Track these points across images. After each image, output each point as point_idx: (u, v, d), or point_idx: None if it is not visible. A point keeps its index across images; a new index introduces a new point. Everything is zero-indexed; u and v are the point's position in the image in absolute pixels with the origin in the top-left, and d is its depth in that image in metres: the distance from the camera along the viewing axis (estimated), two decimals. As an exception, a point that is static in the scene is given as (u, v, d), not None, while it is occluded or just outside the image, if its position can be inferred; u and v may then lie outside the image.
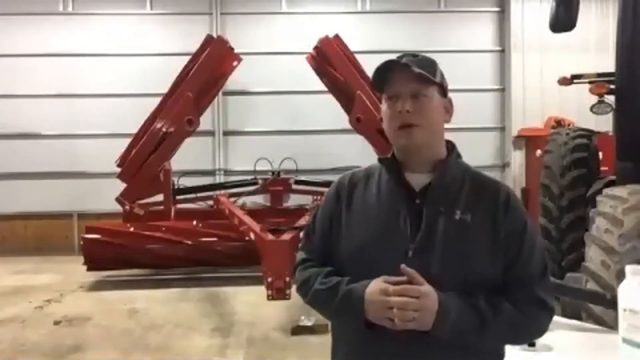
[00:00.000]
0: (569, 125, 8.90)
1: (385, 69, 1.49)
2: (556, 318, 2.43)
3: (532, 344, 1.97)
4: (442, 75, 1.54)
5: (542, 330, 1.49)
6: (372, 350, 1.43)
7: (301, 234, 1.95)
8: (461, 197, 1.47)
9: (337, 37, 8.34)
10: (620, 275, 2.18)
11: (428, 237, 1.42)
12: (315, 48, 8.36)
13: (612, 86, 4.17)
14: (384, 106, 1.53)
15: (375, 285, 1.37)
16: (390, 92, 1.50)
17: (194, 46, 8.39)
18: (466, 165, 1.56)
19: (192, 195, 8.80)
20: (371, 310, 1.37)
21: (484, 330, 1.36)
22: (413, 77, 1.46)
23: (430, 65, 1.51)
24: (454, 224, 1.43)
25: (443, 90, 1.53)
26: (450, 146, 1.57)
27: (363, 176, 1.60)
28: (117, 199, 7.94)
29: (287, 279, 4.97)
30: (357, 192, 1.57)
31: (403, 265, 1.34)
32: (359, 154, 8.39)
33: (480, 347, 1.42)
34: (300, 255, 1.65)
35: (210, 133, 10.33)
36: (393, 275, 1.36)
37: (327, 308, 1.53)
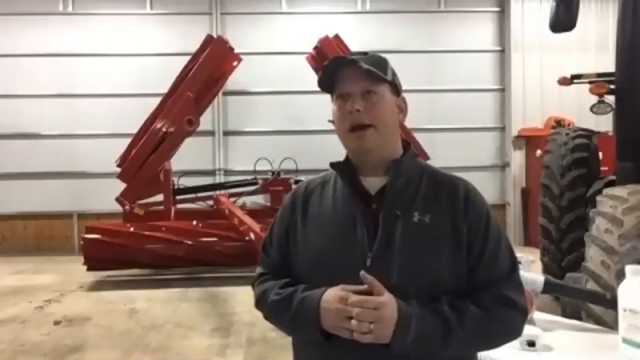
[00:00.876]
0: (569, 125, 8.91)
1: (332, 68, 1.44)
2: (556, 318, 2.44)
3: (532, 344, 1.97)
4: (394, 74, 1.49)
5: (515, 331, 1.40)
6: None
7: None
8: (419, 198, 1.40)
9: (337, 37, 8.35)
10: (620, 275, 2.19)
11: (386, 243, 1.35)
12: (315, 48, 8.36)
13: (612, 86, 4.18)
14: (333, 107, 1.47)
15: (333, 293, 1.30)
16: (340, 92, 1.44)
17: (194, 46, 8.40)
18: (424, 164, 1.50)
19: (192, 195, 8.80)
20: (327, 319, 1.29)
21: (449, 336, 1.27)
22: (362, 74, 1.39)
23: (380, 63, 1.45)
24: (412, 227, 1.36)
25: (395, 88, 1.48)
26: (407, 146, 1.52)
27: (319, 184, 1.54)
28: (117, 199, 7.94)
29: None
30: (312, 200, 1.50)
31: (363, 273, 1.27)
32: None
33: (449, 355, 1.32)
34: (257, 270, 1.58)
35: (210, 133, 10.34)
36: (353, 284, 1.29)
37: (283, 319, 1.43)
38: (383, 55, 1.51)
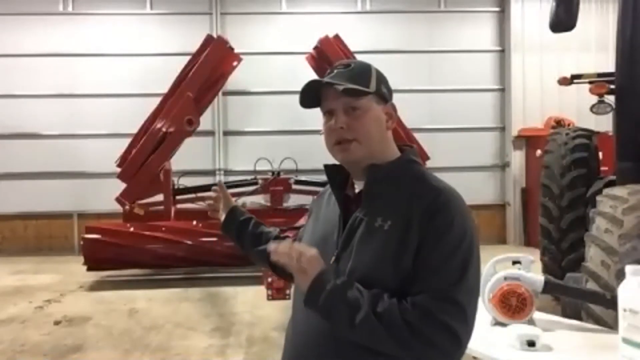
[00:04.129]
0: (569, 125, 8.91)
1: (308, 90, 1.48)
2: (556, 318, 2.45)
3: (532, 344, 1.97)
4: (379, 82, 1.48)
5: (432, 346, 1.28)
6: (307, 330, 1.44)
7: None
8: (390, 204, 1.41)
9: (337, 37, 8.34)
10: (620, 275, 2.19)
11: (346, 244, 1.43)
12: (315, 48, 8.36)
13: (612, 86, 4.18)
14: (323, 121, 1.51)
15: None
16: (324, 109, 1.50)
17: (194, 46, 8.39)
18: (415, 170, 1.48)
19: (192, 195, 8.79)
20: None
21: (357, 315, 1.28)
22: (342, 92, 1.42)
23: (363, 75, 1.47)
24: (371, 231, 1.40)
25: (382, 97, 1.49)
26: (406, 150, 1.53)
27: (329, 188, 1.63)
28: (117, 199, 7.94)
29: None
30: (321, 203, 1.63)
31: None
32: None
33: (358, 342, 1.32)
34: None
35: (210, 133, 10.33)
36: None
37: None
38: (377, 60, 1.55)
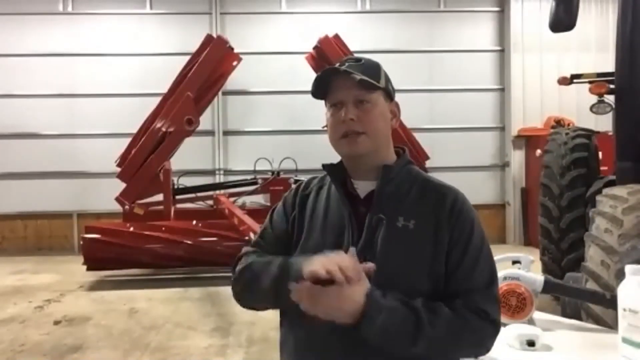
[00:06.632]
0: (568, 125, 8.91)
1: (325, 78, 1.45)
2: (556, 318, 2.44)
3: (532, 344, 1.97)
4: (387, 79, 1.50)
5: (484, 344, 1.39)
6: (319, 347, 1.37)
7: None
8: (406, 204, 1.42)
9: (337, 37, 8.34)
10: (620, 275, 2.19)
11: (368, 247, 1.38)
12: (315, 48, 8.36)
13: (612, 86, 4.18)
14: (327, 114, 1.49)
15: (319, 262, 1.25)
16: (333, 100, 1.46)
17: (193, 46, 8.39)
18: (417, 171, 1.52)
19: (192, 195, 8.80)
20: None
21: (418, 334, 1.27)
22: (355, 83, 1.41)
23: (374, 70, 1.47)
24: (395, 232, 1.38)
25: (389, 94, 1.50)
26: (402, 152, 1.54)
27: (316, 185, 1.58)
28: (117, 199, 7.94)
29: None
30: (308, 202, 1.54)
31: (352, 249, 1.29)
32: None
33: (417, 354, 1.29)
34: (244, 249, 1.58)
35: (210, 133, 10.34)
36: None
37: (260, 287, 1.42)
38: (377, 60, 1.52)
